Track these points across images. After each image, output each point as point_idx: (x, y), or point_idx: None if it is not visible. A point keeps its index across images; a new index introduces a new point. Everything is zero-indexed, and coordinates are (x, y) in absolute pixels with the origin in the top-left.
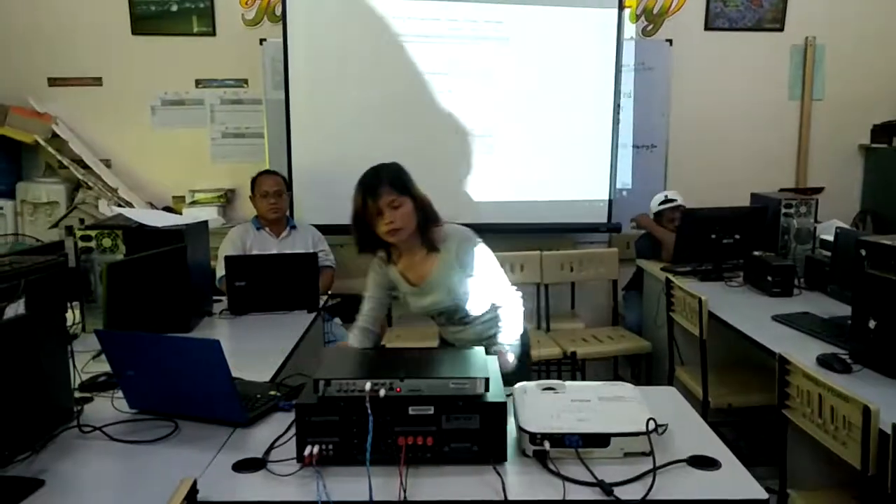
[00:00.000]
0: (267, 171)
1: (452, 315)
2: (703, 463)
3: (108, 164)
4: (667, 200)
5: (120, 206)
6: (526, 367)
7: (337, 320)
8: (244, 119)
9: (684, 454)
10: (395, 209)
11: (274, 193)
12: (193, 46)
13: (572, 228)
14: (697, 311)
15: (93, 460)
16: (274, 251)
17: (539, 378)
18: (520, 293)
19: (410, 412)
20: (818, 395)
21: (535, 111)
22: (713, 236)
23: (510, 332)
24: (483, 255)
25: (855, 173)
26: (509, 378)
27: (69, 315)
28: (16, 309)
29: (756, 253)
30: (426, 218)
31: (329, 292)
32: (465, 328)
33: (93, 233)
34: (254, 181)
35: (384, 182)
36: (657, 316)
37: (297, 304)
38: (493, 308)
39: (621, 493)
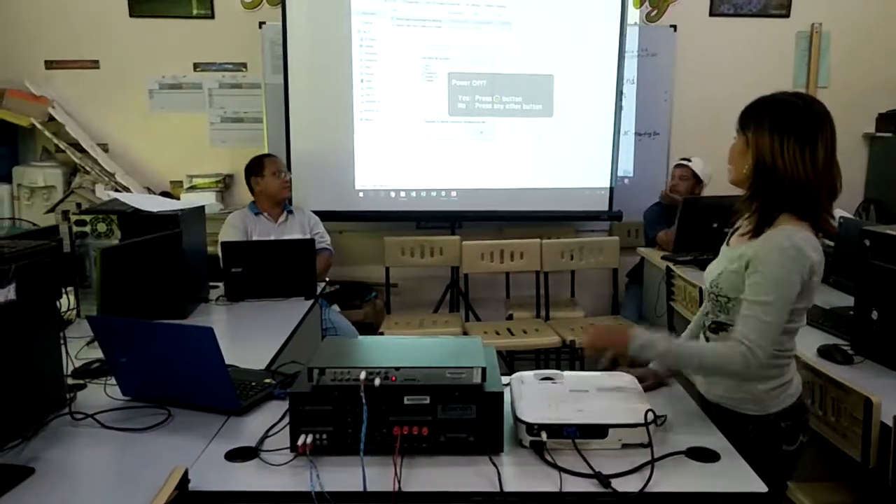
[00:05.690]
0: (269, 154)
1: (717, 308)
2: (702, 455)
3: (105, 148)
4: (681, 161)
5: (117, 190)
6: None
7: (335, 307)
8: (243, 103)
9: (683, 446)
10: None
11: (286, 172)
12: (192, 29)
13: (573, 216)
14: (698, 301)
15: (84, 448)
16: (272, 236)
17: (537, 367)
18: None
19: (406, 402)
20: (819, 386)
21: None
22: (715, 225)
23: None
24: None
25: (859, 162)
26: None
27: (64, 301)
28: (5, 294)
29: None
30: (769, 185)
31: (327, 279)
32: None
33: (87, 217)
34: (259, 163)
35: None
36: (657, 305)
37: (295, 290)
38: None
39: (619, 484)
